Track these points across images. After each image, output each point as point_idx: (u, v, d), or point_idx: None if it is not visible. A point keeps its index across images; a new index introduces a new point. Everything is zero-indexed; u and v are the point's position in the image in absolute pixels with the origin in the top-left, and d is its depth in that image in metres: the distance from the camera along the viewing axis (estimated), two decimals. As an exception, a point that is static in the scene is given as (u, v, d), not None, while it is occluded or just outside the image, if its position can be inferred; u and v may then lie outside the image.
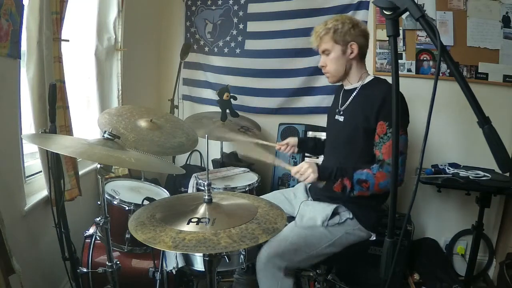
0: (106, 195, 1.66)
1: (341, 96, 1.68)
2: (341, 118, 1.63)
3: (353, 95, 1.59)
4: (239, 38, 2.94)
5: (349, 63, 1.59)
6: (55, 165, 1.47)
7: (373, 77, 1.60)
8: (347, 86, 1.64)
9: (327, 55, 1.60)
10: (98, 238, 1.74)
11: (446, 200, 2.59)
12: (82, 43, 2.21)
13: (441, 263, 2.39)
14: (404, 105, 1.48)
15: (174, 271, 1.68)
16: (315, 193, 1.73)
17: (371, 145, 1.50)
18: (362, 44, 1.57)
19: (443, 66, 2.39)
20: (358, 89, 1.59)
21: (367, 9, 2.58)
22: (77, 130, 2.00)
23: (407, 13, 0.77)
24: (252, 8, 2.89)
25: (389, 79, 0.95)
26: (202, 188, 1.65)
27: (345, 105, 1.62)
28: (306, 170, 1.48)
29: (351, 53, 1.56)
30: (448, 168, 2.27)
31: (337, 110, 1.66)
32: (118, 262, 1.50)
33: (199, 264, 1.76)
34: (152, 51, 3.10)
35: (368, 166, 1.48)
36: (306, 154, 2.63)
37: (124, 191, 1.82)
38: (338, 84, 1.73)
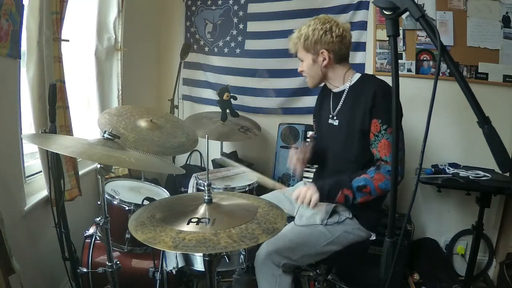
0: (106, 195, 1.65)
1: (331, 100, 1.64)
2: (335, 122, 1.61)
3: (343, 97, 1.57)
4: (239, 38, 2.94)
5: (324, 69, 1.56)
6: (55, 165, 1.47)
7: (359, 75, 1.58)
8: (335, 89, 1.62)
9: (302, 61, 1.60)
10: (98, 238, 1.74)
11: (446, 200, 2.58)
12: (82, 43, 2.21)
13: (441, 263, 2.39)
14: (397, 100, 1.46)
15: (174, 271, 1.68)
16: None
17: (367, 146, 1.49)
18: (336, 50, 1.52)
19: (443, 66, 2.39)
20: (347, 90, 1.56)
21: (367, 9, 2.58)
22: (77, 130, 2.00)
23: (407, 13, 0.77)
24: (252, 8, 2.89)
25: (389, 79, 0.95)
26: (202, 188, 1.65)
27: (337, 108, 1.60)
28: (306, 193, 1.46)
29: (323, 60, 1.53)
30: (448, 168, 2.27)
31: (330, 115, 1.63)
32: (118, 262, 1.50)
33: (199, 264, 1.76)
34: (152, 51, 3.10)
35: (364, 169, 1.48)
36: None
37: (124, 191, 1.82)
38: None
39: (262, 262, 1.49)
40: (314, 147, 1.73)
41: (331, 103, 1.64)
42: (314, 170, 2.59)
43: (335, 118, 1.61)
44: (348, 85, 1.56)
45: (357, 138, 1.51)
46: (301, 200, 1.48)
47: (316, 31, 1.50)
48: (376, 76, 1.63)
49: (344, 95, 1.57)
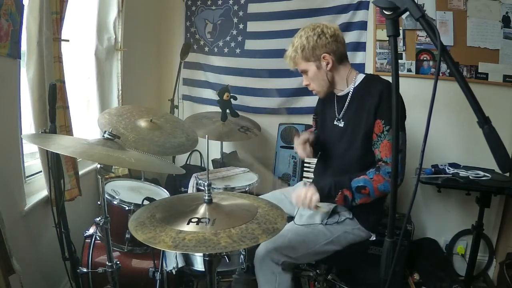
0: (106, 195, 1.65)
1: (336, 103, 1.63)
2: (341, 124, 1.60)
3: (348, 100, 1.56)
4: (239, 38, 2.95)
5: (330, 74, 1.54)
6: (55, 165, 1.47)
7: (363, 76, 1.57)
8: (339, 93, 1.60)
9: (306, 74, 1.58)
10: (98, 238, 1.74)
11: (446, 200, 2.59)
12: (82, 43, 2.21)
13: (441, 263, 2.39)
14: (400, 101, 1.45)
15: (174, 271, 1.68)
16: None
17: (371, 147, 1.49)
18: (335, 50, 1.50)
19: (443, 66, 2.39)
20: (351, 93, 1.55)
21: (367, 9, 2.59)
22: (77, 130, 2.00)
23: (407, 13, 0.77)
24: (252, 8, 2.89)
25: (389, 79, 0.95)
26: (202, 188, 1.65)
27: (343, 111, 1.58)
28: (306, 194, 1.45)
29: (327, 64, 1.51)
30: (448, 168, 2.27)
31: (336, 118, 1.63)
32: (118, 262, 1.50)
33: (199, 264, 1.76)
34: (152, 51, 3.10)
35: (365, 171, 1.48)
36: (306, 160, 2.64)
37: (124, 191, 1.82)
38: None
39: (262, 259, 1.50)
40: (316, 138, 1.74)
41: (335, 106, 1.63)
42: (313, 170, 2.61)
43: (341, 120, 1.60)
44: (352, 87, 1.55)
45: (362, 139, 1.50)
46: (301, 202, 1.46)
47: (310, 37, 1.49)
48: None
49: (349, 97, 1.56)
